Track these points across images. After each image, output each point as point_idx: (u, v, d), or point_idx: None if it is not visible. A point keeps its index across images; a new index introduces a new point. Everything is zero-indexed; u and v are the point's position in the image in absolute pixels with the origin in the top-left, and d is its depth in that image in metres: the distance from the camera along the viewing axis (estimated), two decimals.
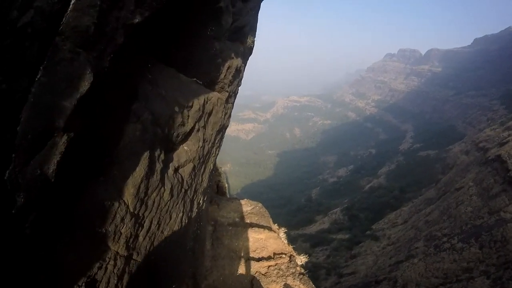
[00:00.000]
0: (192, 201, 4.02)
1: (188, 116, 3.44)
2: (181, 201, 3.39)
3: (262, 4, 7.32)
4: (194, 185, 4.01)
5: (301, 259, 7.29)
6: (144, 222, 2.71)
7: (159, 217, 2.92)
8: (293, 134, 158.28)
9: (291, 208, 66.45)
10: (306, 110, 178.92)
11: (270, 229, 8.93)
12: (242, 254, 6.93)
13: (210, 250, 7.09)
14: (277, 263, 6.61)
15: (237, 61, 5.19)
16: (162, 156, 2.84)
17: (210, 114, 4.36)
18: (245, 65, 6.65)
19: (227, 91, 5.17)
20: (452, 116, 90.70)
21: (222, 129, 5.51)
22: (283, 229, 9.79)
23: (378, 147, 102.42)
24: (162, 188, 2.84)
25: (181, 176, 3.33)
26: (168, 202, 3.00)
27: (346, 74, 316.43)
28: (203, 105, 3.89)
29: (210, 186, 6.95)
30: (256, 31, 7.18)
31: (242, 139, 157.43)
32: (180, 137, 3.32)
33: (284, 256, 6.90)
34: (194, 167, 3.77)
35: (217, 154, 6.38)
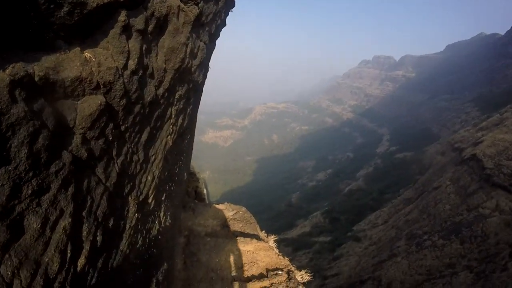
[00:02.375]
0: (119, 199, 2.39)
1: None
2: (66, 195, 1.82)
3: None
4: (118, 161, 2.15)
5: (302, 276, 5.75)
6: None
7: None
8: (271, 140, 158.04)
9: (271, 214, 65.35)
10: (284, 117, 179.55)
11: (258, 237, 7.42)
12: (226, 274, 5.35)
13: (182, 271, 5.35)
14: (272, 283, 5.09)
15: None
16: None
17: (162, 24, 2.83)
18: None
19: (197, 5, 3.55)
20: (426, 119, 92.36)
21: (187, 76, 3.83)
22: (272, 236, 8.33)
23: (356, 151, 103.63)
24: None
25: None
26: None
27: (321, 80, 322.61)
28: None
29: (175, 181, 5.46)
30: None
31: (220, 146, 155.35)
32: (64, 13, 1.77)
33: (280, 272, 5.46)
34: (108, 108, 1.93)
35: (184, 126, 4.57)
